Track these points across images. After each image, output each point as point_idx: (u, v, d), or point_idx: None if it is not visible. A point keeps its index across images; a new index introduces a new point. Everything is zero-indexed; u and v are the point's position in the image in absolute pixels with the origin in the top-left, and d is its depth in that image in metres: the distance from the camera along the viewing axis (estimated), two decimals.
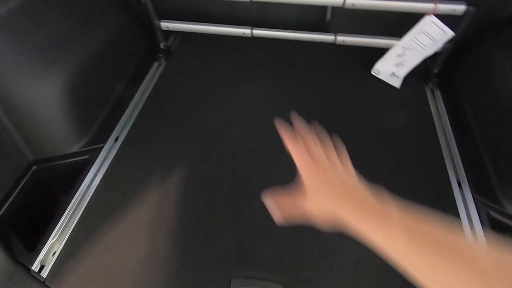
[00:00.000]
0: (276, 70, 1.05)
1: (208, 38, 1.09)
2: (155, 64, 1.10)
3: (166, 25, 1.03)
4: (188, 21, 1.05)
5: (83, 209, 0.73)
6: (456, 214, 0.70)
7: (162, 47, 1.10)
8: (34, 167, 0.79)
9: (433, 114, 0.92)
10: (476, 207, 0.71)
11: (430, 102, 0.96)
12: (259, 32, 1.01)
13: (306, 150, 0.34)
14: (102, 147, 0.85)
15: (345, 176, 0.32)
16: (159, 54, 1.09)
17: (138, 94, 1.00)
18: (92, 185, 0.77)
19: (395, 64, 0.97)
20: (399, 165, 0.80)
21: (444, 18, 0.84)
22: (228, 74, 1.05)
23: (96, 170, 0.80)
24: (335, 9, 1.02)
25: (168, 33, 1.11)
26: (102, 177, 0.79)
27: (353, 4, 0.86)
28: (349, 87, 1.00)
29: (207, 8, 1.09)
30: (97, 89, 0.88)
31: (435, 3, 0.82)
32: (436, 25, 0.86)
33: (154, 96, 1.00)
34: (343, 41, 0.97)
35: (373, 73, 0.99)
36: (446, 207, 0.72)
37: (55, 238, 0.68)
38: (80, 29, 0.84)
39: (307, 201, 0.32)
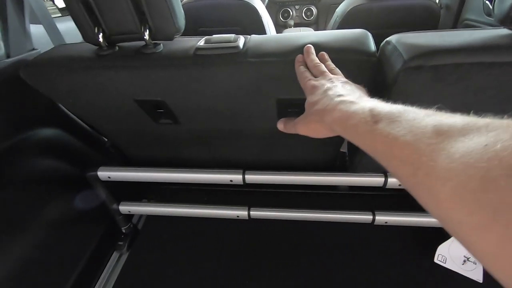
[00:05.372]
0: (280, 257, 0.72)
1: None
2: (114, 255, 0.77)
3: (126, 209, 0.73)
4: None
5: None
6: None
7: (124, 231, 0.78)
8: None
9: None
10: None
11: None
12: (256, 214, 0.70)
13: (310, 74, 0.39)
14: None
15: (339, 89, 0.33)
16: (119, 242, 0.77)
17: None
18: None
19: None
20: None
21: None
22: (212, 264, 0.71)
23: None
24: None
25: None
26: None
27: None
28: (401, 283, 0.66)
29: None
30: None
31: None
32: None
33: None
34: (386, 221, 0.66)
35: (437, 261, 0.67)
36: None
37: None
38: None
39: (304, 122, 0.36)
